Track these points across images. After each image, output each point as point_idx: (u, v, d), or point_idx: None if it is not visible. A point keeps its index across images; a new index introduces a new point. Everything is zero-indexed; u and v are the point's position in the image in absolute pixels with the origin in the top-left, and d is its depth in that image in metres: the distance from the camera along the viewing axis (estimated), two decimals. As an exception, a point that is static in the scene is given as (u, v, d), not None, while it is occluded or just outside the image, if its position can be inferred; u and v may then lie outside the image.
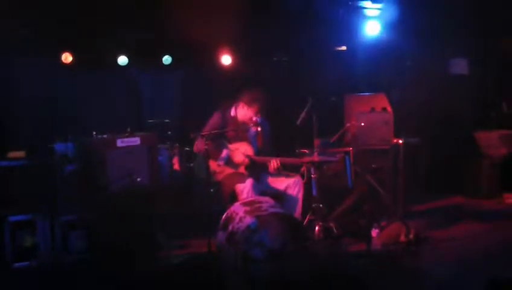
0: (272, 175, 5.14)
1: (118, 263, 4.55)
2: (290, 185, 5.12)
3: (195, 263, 4.76)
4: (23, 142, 5.35)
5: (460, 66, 7.59)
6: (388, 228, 5.35)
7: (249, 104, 5.16)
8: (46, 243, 4.81)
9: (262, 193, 4.90)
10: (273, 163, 4.98)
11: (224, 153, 5.05)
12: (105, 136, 4.97)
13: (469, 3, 6.75)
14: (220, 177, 5.11)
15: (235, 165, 5.12)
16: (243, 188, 4.85)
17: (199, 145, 4.99)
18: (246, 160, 5.10)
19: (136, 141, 4.97)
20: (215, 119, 5.22)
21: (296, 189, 5.11)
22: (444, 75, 7.53)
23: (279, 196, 5.07)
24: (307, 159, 5.11)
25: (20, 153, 5.00)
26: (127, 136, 5.01)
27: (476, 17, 6.86)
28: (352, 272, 3.30)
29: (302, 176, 5.24)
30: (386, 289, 4.24)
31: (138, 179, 4.80)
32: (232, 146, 5.16)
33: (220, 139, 5.12)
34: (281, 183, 5.15)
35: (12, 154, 4.99)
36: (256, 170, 5.16)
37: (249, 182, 4.88)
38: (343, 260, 4.08)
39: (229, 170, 5.12)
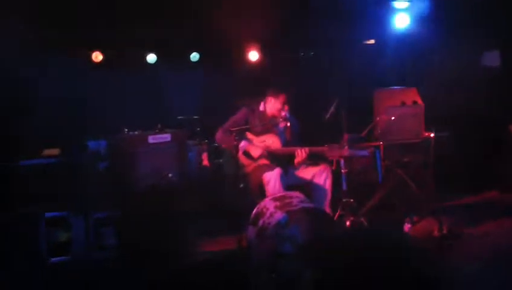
0: (298, 166, 5.11)
1: (148, 260, 4.60)
2: (316, 173, 5.08)
3: (225, 259, 4.78)
4: (57, 140, 5.44)
5: (492, 59, 7.43)
6: (421, 223, 5.29)
7: (275, 95, 5.17)
8: (80, 239, 4.89)
9: (289, 185, 4.88)
10: (300, 153, 4.96)
11: (242, 144, 5.04)
12: (136, 132, 5.03)
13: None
14: (248, 170, 5.12)
15: (254, 159, 5.11)
16: (270, 177, 4.84)
17: (227, 140, 5.01)
18: (264, 153, 5.07)
19: (166, 137, 5.02)
20: (241, 114, 5.24)
21: (323, 176, 5.05)
22: (475, 67, 7.38)
23: (307, 186, 5.03)
24: (337, 152, 5.07)
25: (55, 151, 5.10)
26: (157, 133, 5.06)
27: (506, 9, 6.69)
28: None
29: (331, 162, 5.19)
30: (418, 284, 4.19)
31: (170, 175, 4.84)
32: (258, 139, 5.16)
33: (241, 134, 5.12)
34: (307, 172, 5.12)
35: (47, 151, 5.09)
36: (283, 162, 5.16)
37: (276, 171, 4.86)
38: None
39: (256, 163, 5.12)
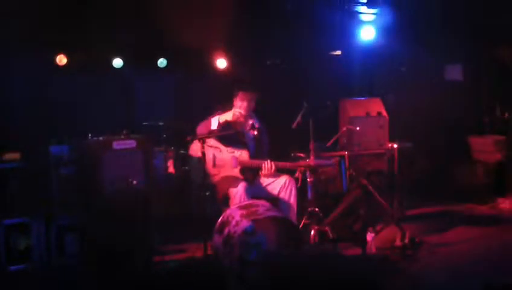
0: (265, 178, 5.13)
1: (113, 266, 4.53)
2: (281, 189, 5.10)
3: (191, 266, 4.74)
4: (18, 144, 5.31)
5: (455, 72, 7.64)
6: (383, 232, 5.38)
7: (243, 93, 5.16)
8: (41, 246, 4.78)
9: (255, 197, 4.88)
10: (267, 166, 4.98)
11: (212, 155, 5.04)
12: (101, 138, 4.94)
13: (464, 10, 6.79)
14: (215, 179, 5.10)
15: (224, 168, 5.11)
16: (236, 193, 4.83)
17: (195, 148, 4.99)
18: (235, 164, 5.08)
19: (131, 143, 4.93)
20: (210, 123, 5.22)
21: (288, 191, 5.07)
22: (438, 80, 7.58)
23: (273, 201, 5.05)
24: (302, 163, 5.12)
25: (15, 155, 4.97)
26: (123, 139, 4.99)
27: (470, 24, 6.91)
28: (351, 275, 3.29)
29: (296, 179, 5.24)
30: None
31: (134, 182, 4.77)
32: (228, 149, 5.15)
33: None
34: (274, 187, 5.14)
35: (8, 155, 4.95)
36: (251, 173, 5.16)
37: (241, 186, 4.85)
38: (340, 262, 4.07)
39: (224, 173, 5.11)
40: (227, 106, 5.33)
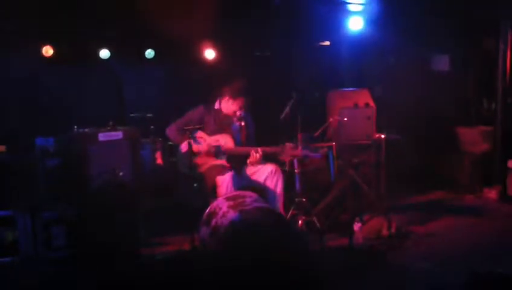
0: (251, 165, 5.13)
1: (100, 259, 4.52)
2: (267, 177, 5.11)
3: (178, 258, 4.74)
4: (3, 136, 5.27)
5: (442, 63, 7.66)
6: (370, 222, 5.41)
7: (234, 97, 5.18)
8: (27, 239, 4.75)
9: (242, 187, 4.90)
10: (255, 153, 4.98)
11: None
12: (86, 130, 4.92)
13: (452, 1, 6.80)
14: (202, 170, 5.10)
15: (199, 154, 5.10)
16: (223, 180, 4.87)
17: (179, 138, 5.00)
18: (212, 149, 5.07)
19: (118, 135, 4.92)
20: (197, 112, 5.23)
21: (274, 180, 5.10)
22: (425, 71, 7.59)
23: (260, 190, 5.06)
24: (290, 153, 5.12)
25: (1, 147, 4.93)
26: (109, 130, 4.96)
27: (457, 15, 6.91)
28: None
29: (284, 172, 5.25)
30: (367, 283, 4.29)
31: (120, 174, 4.76)
32: (212, 138, 5.15)
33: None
34: (260, 175, 5.15)
35: (-8, 148, 4.92)
36: (237, 162, 5.17)
37: (228, 175, 4.90)
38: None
39: (211, 162, 5.11)
40: (214, 96, 5.33)
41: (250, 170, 5.17)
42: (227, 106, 5.24)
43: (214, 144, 5.13)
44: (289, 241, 3.83)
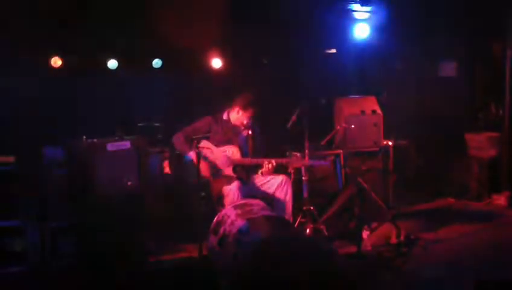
0: (261, 177, 5.13)
1: (108, 268, 4.53)
2: (277, 188, 5.11)
3: (186, 267, 4.75)
4: (11, 146, 5.30)
5: (448, 69, 7.65)
6: (379, 229, 5.39)
7: (244, 108, 5.19)
8: (36, 249, 4.78)
9: (249, 196, 4.90)
10: (267, 163, 4.99)
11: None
12: (95, 140, 4.94)
13: (458, 6, 6.80)
14: (209, 180, 5.11)
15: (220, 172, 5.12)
16: (229, 190, 4.87)
17: (185, 147, 5.03)
18: (227, 163, 5.09)
19: (126, 144, 4.94)
20: (204, 122, 5.25)
21: (284, 190, 5.09)
22: (433, 77, 7.58)
23: (268, 200, 5.07)
24: (298, 163, 5.13)
25: (9, 158, 4.96)
26: (117, 140, 4.99)
27: (464, 20, 6.92)
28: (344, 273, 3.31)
29: (289, 174, 5.25)
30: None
31: (129, 183, 4.77)
32: (218, 149, 5.16)
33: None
34: (270, 186, 5.15)
35: (1, 159, 4.95)
36: (244, 172, 5.17)
37: (235, 184, 4.90)
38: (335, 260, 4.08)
39: (217, 172, 5.12)
40: (223, 106, 5.35)
41: (259, 180, 5.16)
42: (237, 117, 5.25)
43: (220, 156, 5.13)
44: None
